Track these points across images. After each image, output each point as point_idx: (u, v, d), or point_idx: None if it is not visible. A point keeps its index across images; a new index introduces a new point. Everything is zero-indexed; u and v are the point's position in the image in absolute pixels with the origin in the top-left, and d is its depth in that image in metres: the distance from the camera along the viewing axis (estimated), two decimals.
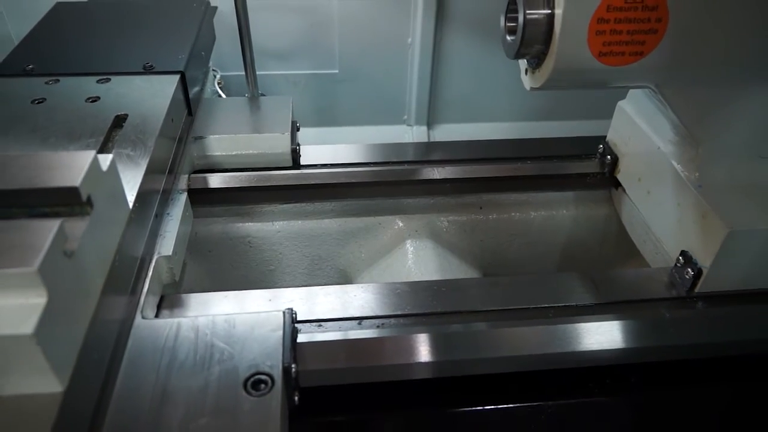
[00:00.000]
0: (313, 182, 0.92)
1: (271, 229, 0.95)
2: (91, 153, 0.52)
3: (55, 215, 0.49)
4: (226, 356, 0.57)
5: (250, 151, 0.91)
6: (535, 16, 0.61)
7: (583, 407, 0.69)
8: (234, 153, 0.90)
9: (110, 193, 0.56)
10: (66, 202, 0.50)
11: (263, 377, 0.55)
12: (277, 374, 0.55)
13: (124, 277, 0.59)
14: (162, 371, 0.55)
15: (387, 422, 0.68)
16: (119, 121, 0.76)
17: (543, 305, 0.71)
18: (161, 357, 0.56)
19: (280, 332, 0.59)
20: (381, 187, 0.94)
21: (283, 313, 0.61)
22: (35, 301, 0.42)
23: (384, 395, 0.67)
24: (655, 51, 0.63)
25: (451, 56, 1.57)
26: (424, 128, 1.68)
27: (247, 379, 0.55)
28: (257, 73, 1.04)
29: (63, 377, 0.44)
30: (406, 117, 1.68)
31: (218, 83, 1.16)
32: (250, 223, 0.94)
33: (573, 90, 1.29)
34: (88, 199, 0.50)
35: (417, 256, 0.92)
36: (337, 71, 1.58)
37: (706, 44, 0.64)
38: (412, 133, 1.70)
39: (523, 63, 0.71)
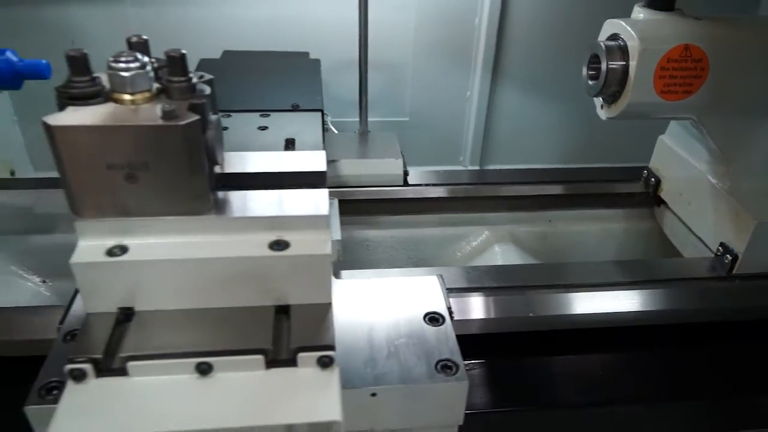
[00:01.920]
0: (419, 197, 1.16)
1: (385, 235, 1.17)
2: (322, 152, 0.75)
3: None
4: (405, 302, 0.78)
5: (371, 172, 1.15)
6: (616, 66, 0.87)
7: (644, 358, 0.91)
8: (359, 173, 1.14)
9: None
10: (313, 182, 0.73)
11: (436, 315, 0.76)
12: (445, 314, 0.76)
13: None
14: (362, 311, 0.76)
15: (509, 366, 0.89)
16: (288, 143, 1.00)
17: (612, 281, 0.93)
18: (357, 302, 0.78)
19: (440, 287, 0.81)
20: (472, 202, 1.18)
21: (437, 276, 0.83)
22: (324, 237, 0.64)
23: (501, 344, 0.89)
24: (699, 91, 0.88)
25: (503, 107, 1.85)
26: (477, 169, 1.93)
27: (425, 316, 0.76)
28: (341, 119, 1.29)
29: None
30: (462, 158, 1.94)
31: (330, 122, 1.41)
32: (368, 230, 1.17)
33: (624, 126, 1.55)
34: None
35: (504, 257, 1.15)
36: (408, 119, 1.85)
37: (736, 87, 0.89)
38: None
39: (598, 100, 0.96)
